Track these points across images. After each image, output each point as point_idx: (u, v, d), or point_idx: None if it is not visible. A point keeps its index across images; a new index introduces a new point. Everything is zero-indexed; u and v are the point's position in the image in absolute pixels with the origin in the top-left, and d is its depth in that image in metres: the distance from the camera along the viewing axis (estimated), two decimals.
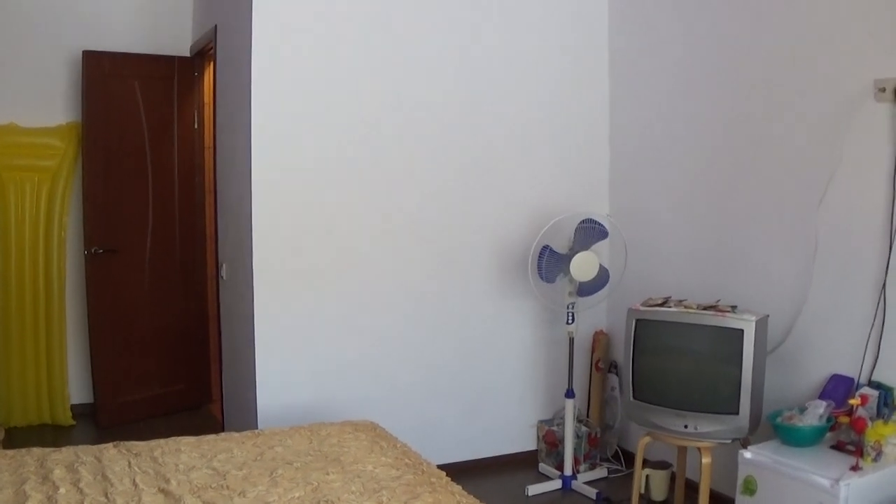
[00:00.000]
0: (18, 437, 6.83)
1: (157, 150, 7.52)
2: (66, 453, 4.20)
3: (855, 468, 4.01)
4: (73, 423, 7.39)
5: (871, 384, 4.50)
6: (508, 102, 6.28)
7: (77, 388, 7.56)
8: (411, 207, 6.07)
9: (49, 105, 7.29)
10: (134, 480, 3.82)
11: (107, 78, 7.19)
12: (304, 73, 5.73)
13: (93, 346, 7.35)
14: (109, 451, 4.27)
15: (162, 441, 4.44)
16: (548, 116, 6.41)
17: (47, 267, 7.26)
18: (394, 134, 5.98)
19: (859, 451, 4.09)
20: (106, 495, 3.62)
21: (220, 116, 6.68)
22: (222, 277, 6.64)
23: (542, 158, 6.41)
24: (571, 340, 6.02)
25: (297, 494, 3.65)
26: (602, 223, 5.79)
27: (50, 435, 7.11)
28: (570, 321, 5.95)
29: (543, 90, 6.39)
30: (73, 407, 7.47)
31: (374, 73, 5.91)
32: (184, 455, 4.20)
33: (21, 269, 7.19)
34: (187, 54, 7.69)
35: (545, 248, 5.69)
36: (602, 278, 5.86)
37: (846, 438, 4.35)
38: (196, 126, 7.71)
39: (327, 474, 3.91)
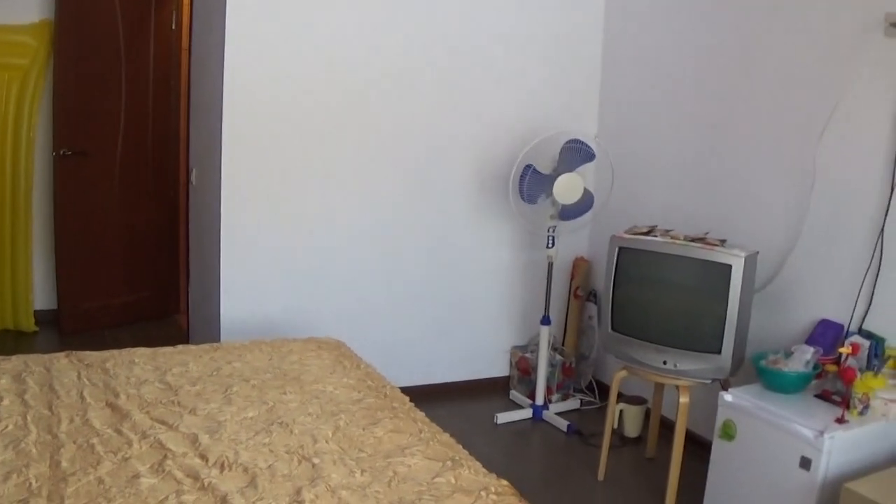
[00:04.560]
0: None
1: (132, 50, 7.27)
2: (14, 362, 4.04)
3: (840, 420, 3.82)
4: (36, 329, 7.23)
5: (861, 333, 4.31)
6: (494, 15, 6.02)
7: (41, 294, 7.40)
8: (389, 120, 5.85)
9: (21, 1, 6.98)
10: (82, 393, 3.66)
11: None
12: None
13: (58, 250, 7.17)
14: (60, 360, 4.12)
15: (115, 352, 4.29)
16: (536, 30, 6.15)
17: (14, 168, 7.02)
18: (375, 44, 5.74)
19: (846, 403, 3.91)
20: (50, 408, 3.46)
21: (196, 17, 6.43)
22: (192, 183, 6.44)
23: (529, 75, 6.17)
24: (550, 265, 5.85)
25: (250, 414, 3.49)
26: (589, 144, 5.58)
27: (11, 341, 6.95)
28: (550, 245, 5.77)
29: (533, 6, 6.12)
30: (36, 313, 7.31)
31: None
32: (137, 368, 4.04)
33: None
34: None
35: (528, 167, 5.50)
36: (586, 202, 5.66)
37: (832, 388, 4.16)
38: (174, 27, 7.46)
39: (284, 394, 3.75)
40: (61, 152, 6.92)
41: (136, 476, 2.83)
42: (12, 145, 6.98)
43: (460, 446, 3.30)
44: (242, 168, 5.53)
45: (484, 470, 3.06)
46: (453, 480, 2.94)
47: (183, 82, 7.38)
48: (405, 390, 3.99)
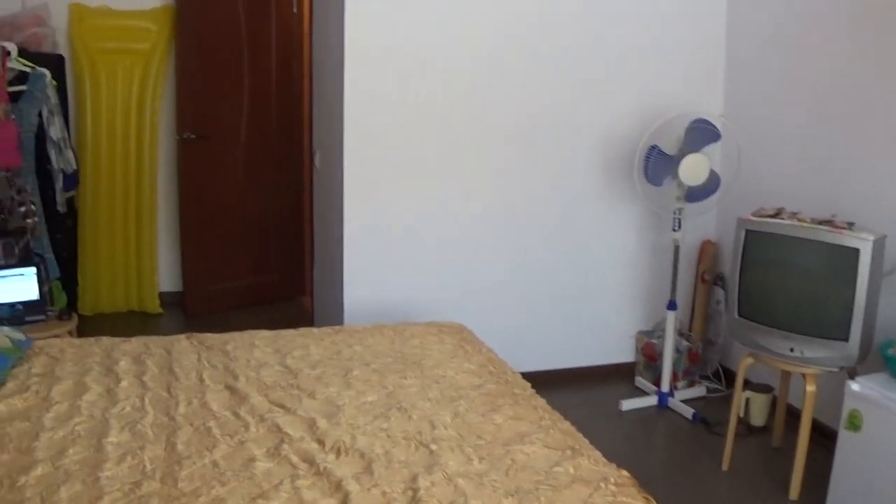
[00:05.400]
0: (105, 324, 6.81)
1: (253, 33, 7.30)
2: (135, 344, 4.08)
3: None
4: (161, 311, 7.34)
5: None
6: None
7: (167, 276, 7.53)
8: (512, 104, 5.75)
9: None
10: (201, 375, 3.67)
11: None
12: None
13: (183, 233, 7.27)
14: (181, 342, 4.14)
15: (237, 334, 4.30)
16: (661, 10, 5.98)
17: (139, 152, 7.12)
18: (497, 32, 5.65)
19: None
20: (168, 390, 3.47)
21: (317, 1, 6.40)
22: (316, 167, 6.42)
23: (654, 54, 5.99)
24: (677, 249, 5.69)
25: (369, 398, 3.44)
26: (715, 124, 5.40)
27: (137, 322, 7.07)
28: (676, 228, 5.61)
29: None
30: (161, 295, 7.41)
31: None
32: (257, 350, 4.04)
33: (112, 155, 7.06)
34: None
35: (653, 147, 5.35)
36: (712, 183, 5.48)
37: None
38: (295, 10, 7.46)
39: (405, 378, 3.69)
40: (185, 136, 6.99)
41: (252, 460, 2.81)
42: (136, 129, 7.07)
43: (581, 435, 3.20)
44: (365, 152, 5.50)
45: (604, 460, 2.96)
46: (572, 470, 2.84)
47: (305, 66, 7.36)
48: (527, 375, 3.90)
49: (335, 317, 5.79)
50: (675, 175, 5.35)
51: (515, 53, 5.70)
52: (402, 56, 5.48)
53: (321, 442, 2.98)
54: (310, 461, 2.81)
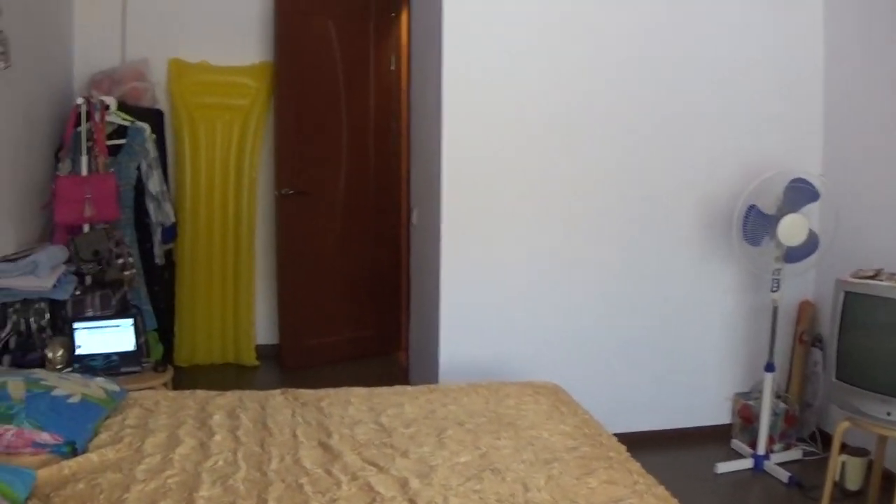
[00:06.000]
0: (201, 376, 6.88)
1: (351, 91, 7.39)
2: (230, 398, 4.12)
3: None
4: (258, 363, 7.41)
5: None
6: (711, 52, 5.84)
7: (263, 329, 7.60)
8: (610, 161, 5.74)
9: (241, 43, 7.26)
10: (294, 431, 3.69)
11: (301, 16, 7.08)
12: (498, 18, 5.48)
13: (281, 287, 7.34)
14: (276, 398, 4.17)
15: (332, 391, 4.31)
16: (757, 69, 5.93)
17: (237, 207, 7.24)
18: (593, 87, 5.67)
19: None
20: (262, 445, 3.50)
21: (414, 60, 6.48)
22: (413, 223, 6.46)
23: (750, 112, 5.94)
24: (775, 310, 5.60)
25: (462, 459, 3.42)
26: (813, 183, 5.34)
27: (233, 375, 7.15)
28: (774, 289, 5.53)
29: (753, 43, 5.91)
30: (258, 347, 7.49)
31: (573, 23, 5.61)
32: (352, 407, 4.04)
33: (211, 209, 7.20)
34: None
35: (751, 207, 5.29)
36: (811, 244, 5.41)
37: None
38: (392, 68, 7.55)
39: (498, 439, 3.66)
40: (283, 192, 7.08)
41: None
42: (235, 184, 7.20)
43: (676, 500, 3.15)
44: (462, 210, 5.52)
45: None
46: None
47: (403, 123, 7.44)
48: (622, 437, 3.85)
49: (430, 373, 5.80)
50: (774, 235, 5.29)
51: (612, 106, 5.71)
52: (498, 112, 5.51)
53: (413, 502, 2.97)
54: None
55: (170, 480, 3.09)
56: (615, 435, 3.87)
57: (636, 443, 4.00)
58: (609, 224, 5.80)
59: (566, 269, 5.76)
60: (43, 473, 3.10)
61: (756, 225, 5.30)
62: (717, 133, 5.90)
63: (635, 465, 3.47)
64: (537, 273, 5.72)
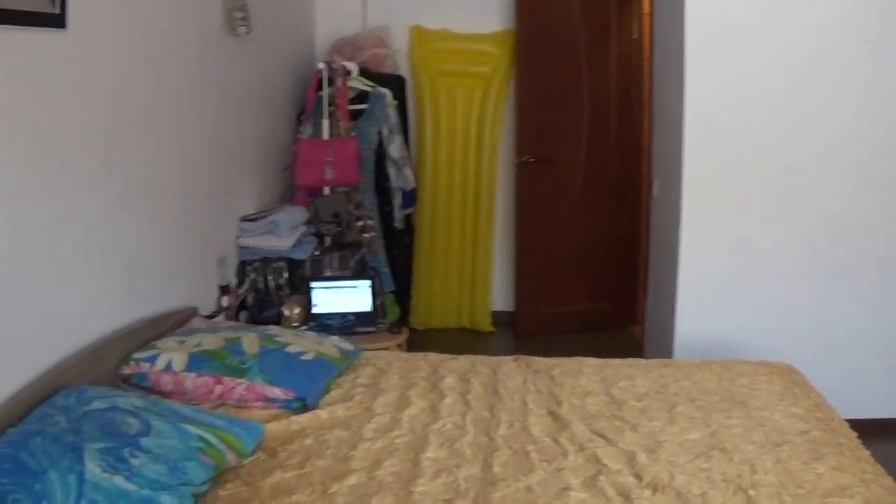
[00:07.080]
0: (435, 339, 6.99)
1: (592, 59, 7.30)
2: (462, 362, 4.15)
3: None
4: (492, 329, 7.45)
5: None
6: None
7: (499, 296, 7.63)
8: (854, 138, 5.39)
9: (482, 11, 7.24)
10: (525, 398, 3.68)
11: None
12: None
13: (518, 254, 7.35)
14: (508, 364, 4.17)
15: (565, 360, 4.27)
16: None
17: (477, 173, 7.28)
18: (843, 57, 5.31)
19: None
20: (491, 410, 3.52)
21: (657, 28, 6.32)
22: (653, 195, 6.35)
23: None
24: None
25: (692, 436, 3.34)
26: None
27: (467, 339, 7.23)
28: None
29: None
30: (493, 314, 7.53)
31: None
32: (584, 378, 4.00)
33: (451, 175, 7.26)
34: None
35: None
36: None
37: None
38: (635, 36, 7.41)
39: (729, 418, 3.55)
40: (524, 159, 7.08)
41: (567, 489, 2.80)
42: (476, 150, 7.23)
43: None
44: (703, 184, 5.38)
45: None
46: None
47: (645, 93, 7.31)
48: (856, 423, 3.68)
49: (665, 347, 5.71)
50: None
51: (862, 87, 5.37)
52: (743, 83, 5.31)
53: (639, 477, 2.92)
54: (625, 495, 2.77)
55: (397, 440, 3.15)
56: (847, 420, 3.72)
57: (870, 429, 3.86)
58: (854, 203, 5.48)
59: (807, 249, 5.51)
60: (271, 427, 3.21)
61: None
62: None
63: (864, 453, 3.31)
64: (777, 252, 5.50)
